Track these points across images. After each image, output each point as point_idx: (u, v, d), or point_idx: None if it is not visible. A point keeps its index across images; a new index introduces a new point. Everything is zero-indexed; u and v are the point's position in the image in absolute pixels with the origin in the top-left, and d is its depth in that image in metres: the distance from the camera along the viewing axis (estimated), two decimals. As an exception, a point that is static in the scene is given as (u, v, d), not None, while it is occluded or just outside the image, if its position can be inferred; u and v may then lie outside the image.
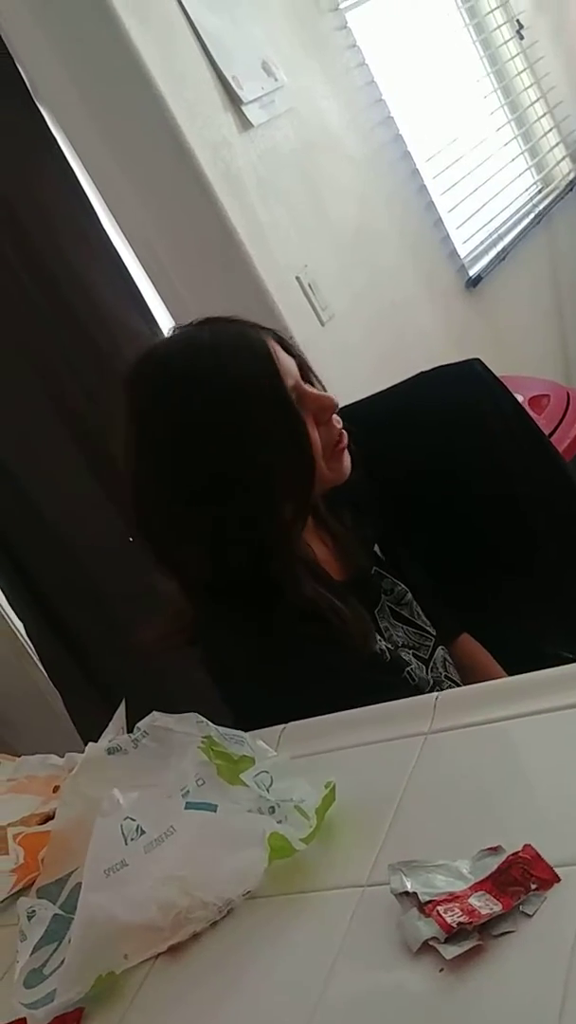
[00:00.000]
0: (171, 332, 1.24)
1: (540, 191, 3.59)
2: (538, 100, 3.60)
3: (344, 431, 1.23)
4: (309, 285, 2.48)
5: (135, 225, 2.31)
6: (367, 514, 1.35)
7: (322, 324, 2.50)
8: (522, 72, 3.55)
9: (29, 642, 2.56)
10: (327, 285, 2.54)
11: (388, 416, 1.43)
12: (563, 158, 3.69)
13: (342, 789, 0.83)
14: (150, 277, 2.36)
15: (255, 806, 0.85)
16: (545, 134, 3.63)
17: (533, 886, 0.66)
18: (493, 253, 3.21)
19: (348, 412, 1.25)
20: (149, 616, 1.27)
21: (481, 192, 3.23)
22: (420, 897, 0.68)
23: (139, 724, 0.97)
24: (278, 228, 2.44)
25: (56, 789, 1.07)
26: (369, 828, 0.80)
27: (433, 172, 3.04)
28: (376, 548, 1.35)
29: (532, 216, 3.43)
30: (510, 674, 1.29)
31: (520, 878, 0.67)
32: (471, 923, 0.65)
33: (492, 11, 3.48)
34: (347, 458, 1.23)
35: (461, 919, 0.65)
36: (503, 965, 0.63)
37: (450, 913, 0.66)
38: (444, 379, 1.47)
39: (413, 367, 1.48)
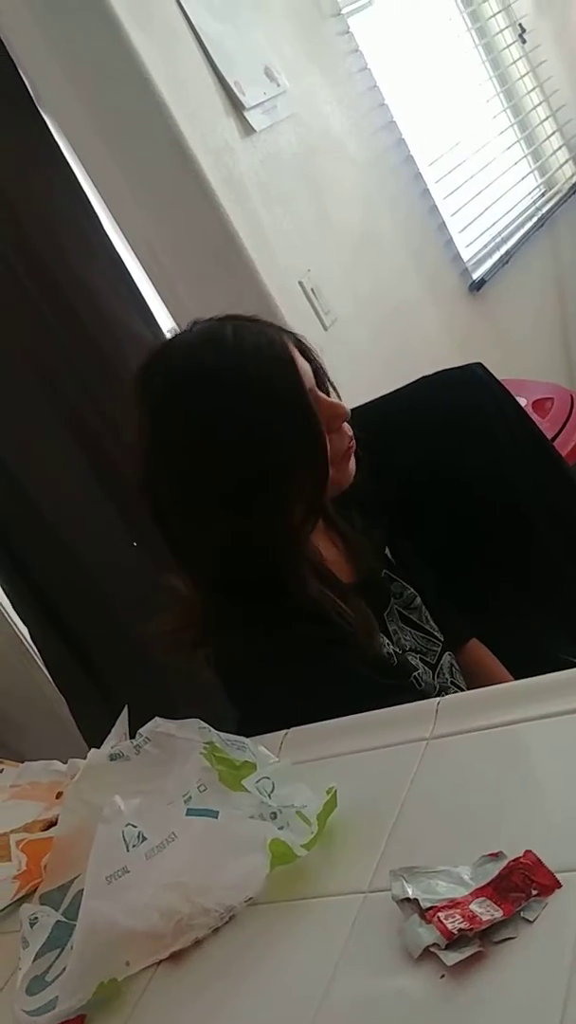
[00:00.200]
0: (190, 326, 1.22)
1: (543, 194, 3.59)
2: (541, 104, 3.60)
3: (353, 438, 1.23)
4: (312, 290, 2.49)
5: (137, 230, 2.32)
6: (374, 516, 1.35)
7: (325, 328, 2.51)
8: (524, 76, 3.55)
9: (34, 647, 2.56)
10: (330, 290, 2.54)
11: (390, 420, 1.43)
12: (566, 161, 3.69)
13: (344, 795, 0.83)
14: (152, 282, 2.36)
15: (257, 812, 0.84)
16: (548, 137, 3.63)
17: (534, 892, 0.66)
18: (496, 257, 3.21)
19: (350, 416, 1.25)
20: (157, 613, 1.27)
21: (484, 196, 3.23)
22: (421, 903, 0.68)
23: (141, 730, 0.97)
24: (280, 233, 2.44)
25: (59, 795, 1.07)
26: (371, 834, 0.80)
27: (436, 176, 3.04)
28: (387, 551, 1.35)
29: (535, 219, 3.43)
30: (515, 678, 1.29)
31: (521, 884, 0.66)
32: (472, 929, 0.65)
33: (494, 15, 3.48)
34: (353, 463, 1.23)
35: (462, 925, 0.65)
36: (504, 972, 0.63)
37: (451, 919, 0.65)
38: (446, 383, 1.47)
39: (416, 371, 1.48)
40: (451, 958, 0.64)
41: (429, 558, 1.39)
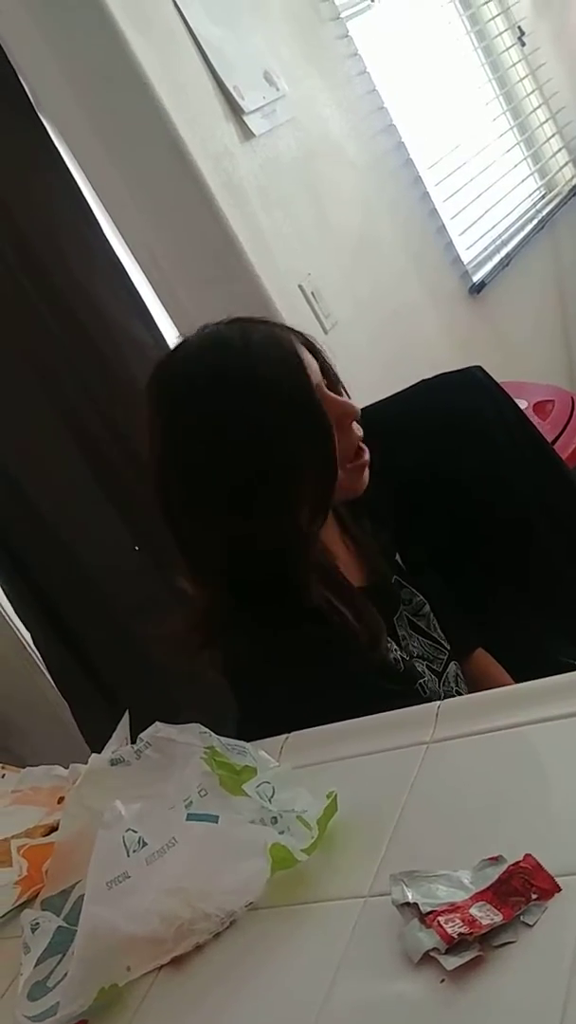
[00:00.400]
0: (199, 330, 1.22)
1: (543, 197, 3.59)
2: (540, 106, 3.60)
3: (365, 446, 1.23)
4: (312, 293, 2.49)
5: (138, 235, 2.32)
6: (385, 522, 1.35)
7: (325, 332, 2.51)
8: (524, 78, 3.55)
9: (36, 651, 2.57)
10: (330, 293, 2.54)
11: (389, 423, 1.43)
12: (566, 163, 3.69)
13: (344, 799, 0.83)
14: (153, 287, 2.37)
15: (257, 817, 0.85)
16: (547, 140, 3.63)
17: (534, 896, 0.66)
18: (496, 259, 3.21)
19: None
20: (163, 616, 1.28)
21: (484, 198, 3.24)
22: (421, 908, 0.68)
23: (142, 735, 0.97)
24: (280, 237, 2.44)
25: (61, 800, 1.07)
26: (371, 838, 0.80)
27: (435, 179, 3.04)
28: (398, 558, 1.35)
29: (535, 222, 3.43)
30: (516, 682, 1.29)
31: (521, 888, 0.66)
32: (472, 933, 0.65)
33: (493, 18, 3.48)
34: (366, 473, 1.23)
35: (462, 930, 0.65)
36: (504, 976, 0.63)
37: (451, 924, 0.66)
38: (445, 386, 1.47)
39: (417, 374, 1.49)
40: (451, 962, 0.64)
41: (428, 561, 1.39)
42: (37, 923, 0.87)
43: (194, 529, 1.19)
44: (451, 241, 3.06)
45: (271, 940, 0.77)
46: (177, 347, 1.23)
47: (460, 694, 1.30)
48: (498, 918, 0.65)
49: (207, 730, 0.93)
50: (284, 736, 1.00)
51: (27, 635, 2.55)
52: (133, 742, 0.99)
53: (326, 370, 1.22)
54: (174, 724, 0.96)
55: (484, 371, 1.47)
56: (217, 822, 0.83)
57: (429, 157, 3.04)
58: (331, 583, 1.20)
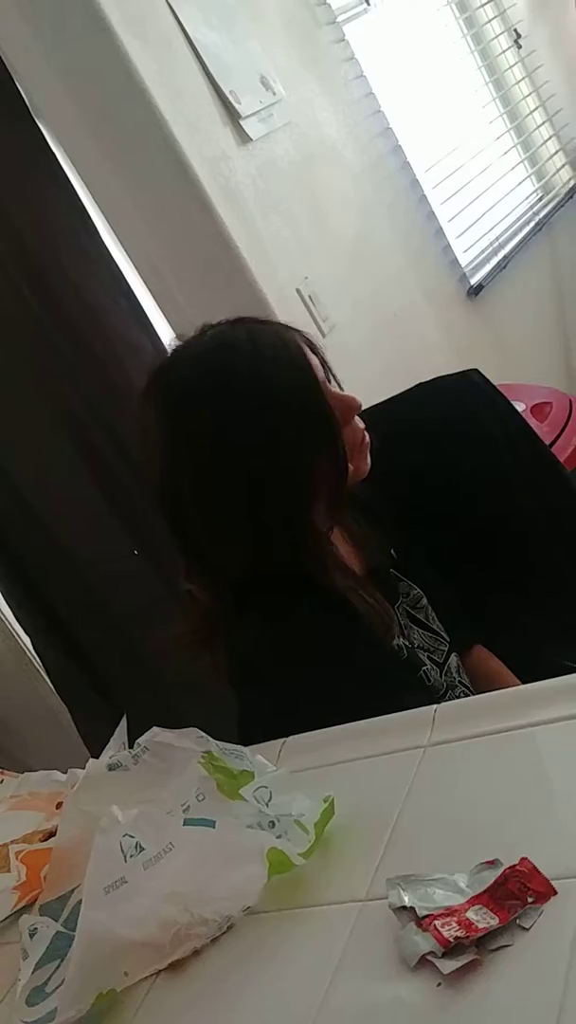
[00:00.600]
0: (201, 331, 1.22)
1: (540, 199, 3.59)
2: (537, 108, 3.60)
3: (366, 432, 1.24)
4: (310, 297, 2.49)
5: (136, 240, 2.33)
6: (379, 521, 1.36)
7: (323, 335, 2.51)
8: (521, 81, 3.55)
9: (36, 656, 2.57)
10: (328, 296, 2.54)
11: (387, 426, 1.43)
12: (563, 165, 3.69)
13: (341, 803, 0.83)
14: (151, 291, 2.37)
15: (255, 821, 0.85)
16: (545, 142, 3.63)
17: (530, 899, 0.66)
18: (494, 261, 3.21)
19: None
20: (164, 619, 1.28)
21: (481, 201, 3.24)
22: (418, 911, 0.68)
23: (140, 740, 0.97)
24: (278, 240, 2.44)
25: (59, 806, 1.07)
26: (368, 842, 0.80)
27: (433, 182, 3.04)
28: (392, 551, 1.35)
29: (533, 224, 3.44)
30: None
31: (517, 891, 0.66)
32: (468, 937, 0.65)
33: (490, 20, 3.49)
34: (368, 457, 1.24)
35: (458, 933, 0.65)
36: (500, 979, 0.63)
37: (447, 927, 0.66)
38: (443, 389, 1.47)
39: (415, 377, 1.49)
40: (447, 966, 0.64)
41: (426, 561, 1.39)
42: (35, 928, 0.87)
43: (213, 534, 1.19)
44: (449, 244, 3.06)
45: (268, 944, 0.77)
46: (179, 350, 1.22)
47: (463, 684, 1.31)
48: (494, 921, 0.65)
49: (204, 735, 0.93)
50: (281, 740, 1.00)
51: (26, 640, 2.55)
52: (131, 747, 0.99)
53: (326, 367, 1.23)
54: (173, 729, 0.97)
55: (481, 374, 1.47)
56: (214, 827, 0.83)
57: (426, 160, 3.04)
58: (344, 573, 1.21)
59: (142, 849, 0.82)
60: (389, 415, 1.46)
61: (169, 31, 2.27)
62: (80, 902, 0.83)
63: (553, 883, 0.66)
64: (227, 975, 0.76)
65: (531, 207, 3.52)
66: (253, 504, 1.15)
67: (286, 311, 2.38)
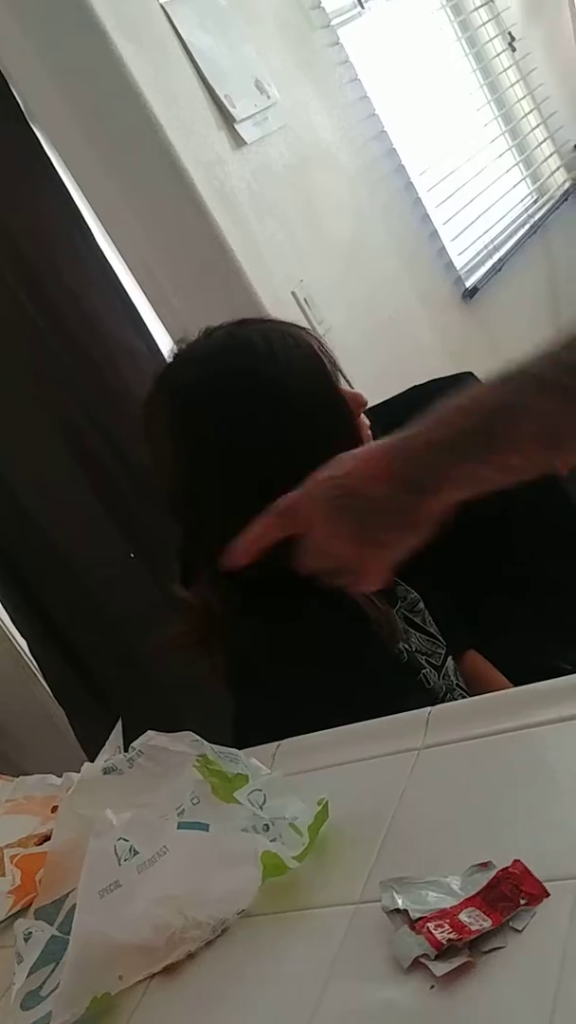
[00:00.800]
0: (204, 333, 1.21)
1: (535, 201, 3.60)
2: (532, 111, 3.61)
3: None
4: (305, 300, 2.49)
5: (131, 244, 2.33)
6: None
7: (319, 338, 2.51)
8: (515, 84, 3.56)
9: (32, 660, 2.57)
10: (323, 300, 2.55)
11: (380, 430, 1.43)
12: (557, 168, 3.70)
13: (335, 806, 0.83)
14: (146, 295, 2.37)
15: (249, 824, 0.85)
16: (539, 144, 3.64)
17: (523, 901, 0.66)
18: (489, 264, 3.22)
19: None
20: (160, 623, 1.28)
21: (476, 204, 3.25)
22: (411, 914, 0.68)
23: (134, 744, 0.97)
24: (273, 244, 2.45)
25: (54, 810, 1.07)
26: (362, 845, 0.80)
27: (427, 185, 3.05)
28: None
29: (528, 226, 3.44)
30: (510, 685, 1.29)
31: (510, 894, 0.67)
32: (461, 939, 0.65)
33: (484, 24, 3.50)
34: None
35: (451, 935, 0.65)
36: (493, 981, 0.63)
37: (440, 930, 0.66)
38: (437, 392, 1.46)
39: (411, 380, 1.49)
40: (440, 968, 0.64)
41: (421, 566, 1.39)
42: (30, 932, 0.87)
43: (219, 534, 1.19)
44: (443, 246, 3.07)
45: (263, 947, 0.77)
46: (184, 353, 1.21)
47: (460, 687, 1.31)
48: (487, 924, 0.65)
49: (199, 738, 0.94)
50: (276, 743, 1.00)
51: (23, 643, 2.55)
52: (126, 751, 0.99)
53: (335, 364, 1.23)
54: (168, 733, 0.97)
55: (476, 377, 1.47)
56: (208, 830, 0.84)
57: (421, 163, 3.05)
58: None
59: (136, 853, 0.82)
60: (383, 418, 1.45)
61: (163, 35, 2.28)
62: (75, 906, 0.83)
63: (546, 885, 0.67)
64: (222, 978, 0.76)
65: (526, 210, 3.53)
66: (266, 501, 1.15)
67: (281, 314, 2.37)
